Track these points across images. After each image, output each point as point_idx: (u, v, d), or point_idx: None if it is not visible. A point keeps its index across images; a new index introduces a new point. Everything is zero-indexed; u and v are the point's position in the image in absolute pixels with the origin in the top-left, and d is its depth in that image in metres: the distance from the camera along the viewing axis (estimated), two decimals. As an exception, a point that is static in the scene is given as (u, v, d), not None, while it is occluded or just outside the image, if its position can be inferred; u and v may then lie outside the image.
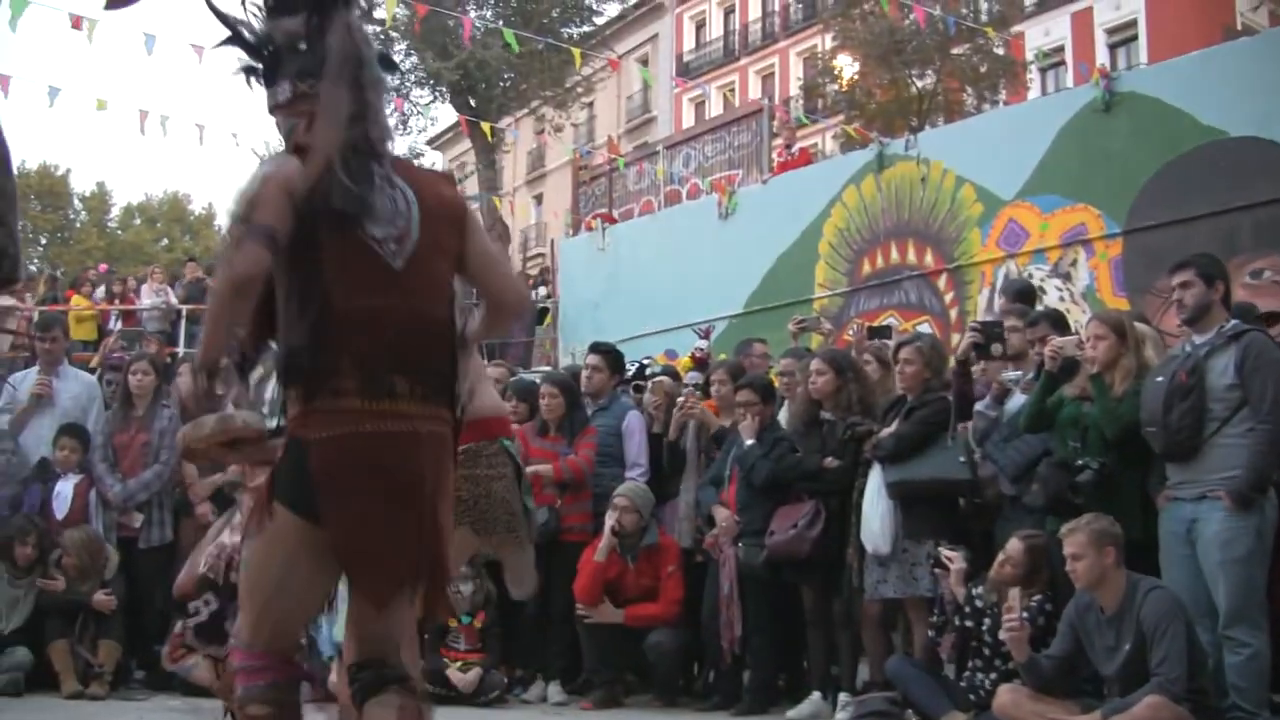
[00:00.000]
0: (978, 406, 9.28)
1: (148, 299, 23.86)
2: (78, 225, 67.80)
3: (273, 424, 7.09)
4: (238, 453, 7.09)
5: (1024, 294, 11.29)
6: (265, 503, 4.27)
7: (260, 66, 4.39)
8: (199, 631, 7.61)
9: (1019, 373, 9.33)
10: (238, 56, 4.41)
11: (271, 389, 7.20)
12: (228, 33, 4.38)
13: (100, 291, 25.19)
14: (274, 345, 4.51)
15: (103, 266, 29.72)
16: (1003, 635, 7.97)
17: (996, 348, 9.46)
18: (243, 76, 4.42)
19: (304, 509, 4.18)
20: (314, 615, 4.80)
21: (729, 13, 57.10)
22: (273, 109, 4.39)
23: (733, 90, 54.09)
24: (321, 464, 4.17)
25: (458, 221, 4.61)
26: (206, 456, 7.37)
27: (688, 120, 50.02)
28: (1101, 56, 38.98)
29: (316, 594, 4.48)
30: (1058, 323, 9.48)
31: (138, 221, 71.11)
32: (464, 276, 4.65)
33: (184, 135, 78.40)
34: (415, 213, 4.40)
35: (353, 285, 4.20)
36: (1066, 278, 14.37)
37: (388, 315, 4.25)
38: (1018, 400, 9.09)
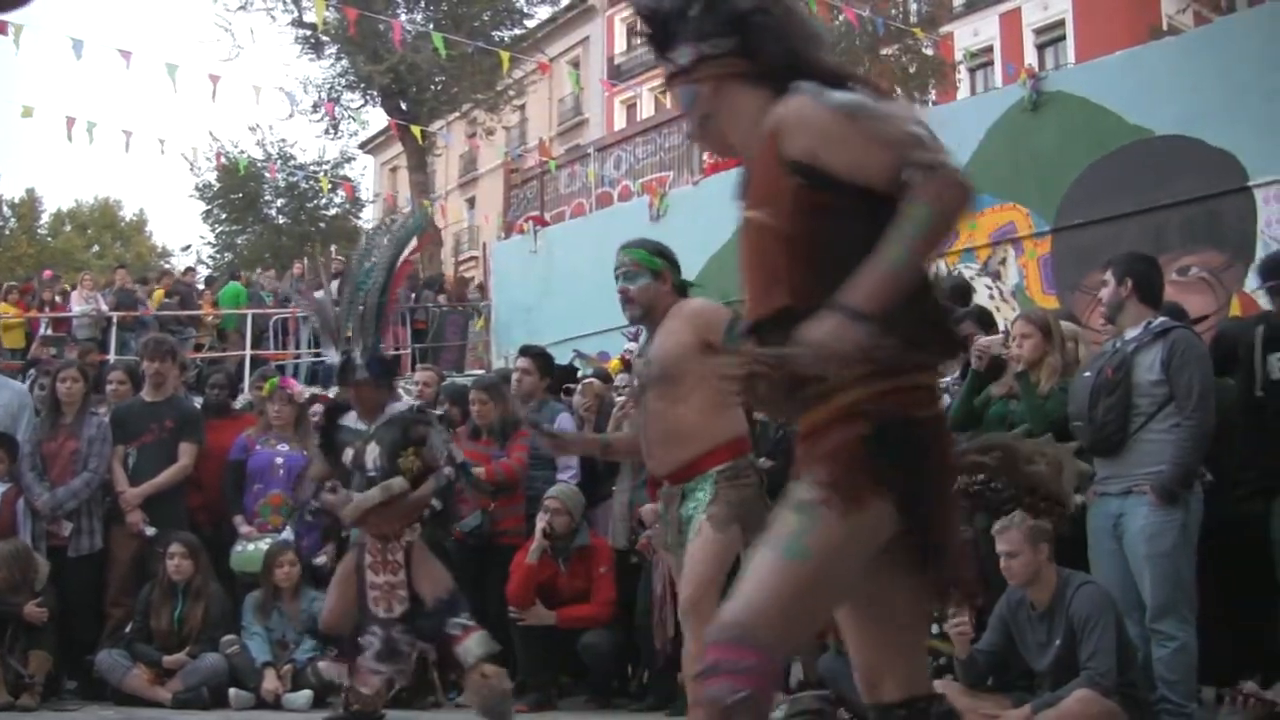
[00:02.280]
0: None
1: (78, 306, 23.73)
2: (6, 232, 67.22)
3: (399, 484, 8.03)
4: (388, 510, 8.10)
5: (959, 291, 11.36)
6: (854, 487, 3.42)
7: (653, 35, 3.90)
8: (380, 657, 8.08)
9: (948, 376, 9.39)
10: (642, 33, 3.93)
11: (373, 457, 8.14)
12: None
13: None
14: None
15: (47, 273, 29.54)
16: (948, 628, 8.02)
17: None
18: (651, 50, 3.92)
19: (907, 499, 3.45)
20: None
21: (661, 13, 57.11)
22: (671, 77, 3.91)
23: (664, 92, 54.09)
24: (929, 447, 3.51)
25: None
26: (368, 521, 8.36)
27: (619, 122, 49.99)
28: (1030, 56, 39.24)
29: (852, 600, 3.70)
30: (983, 320, 9.54)
31: (68, 228, 70.52)
32: None
33: (111, 141, 77.71)
34: None
35: None
36: (996, 276, 14.48)
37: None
38: (944, 401, 9.15)
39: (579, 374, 12.39)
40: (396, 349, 24.57)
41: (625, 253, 6.90)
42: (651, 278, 6.75)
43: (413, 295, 24.20)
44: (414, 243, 8.60)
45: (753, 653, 3.34)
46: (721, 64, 3.77)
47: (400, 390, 9.05)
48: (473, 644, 8.12)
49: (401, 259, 8.49)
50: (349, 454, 8.31)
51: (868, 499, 3.41)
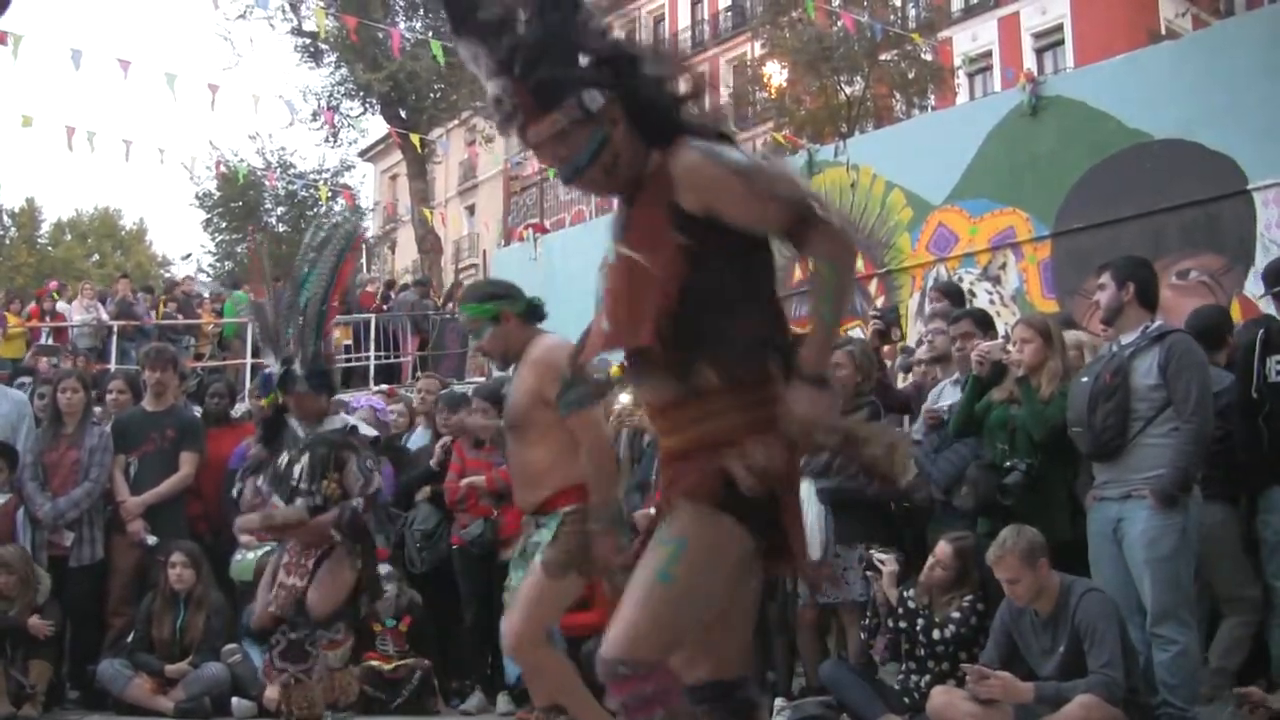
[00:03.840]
0: (913, 435, 9.33)
1: (78, 315, 23.74)
2: (7, 242, 67.25)
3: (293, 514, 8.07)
4: (292, 532, 8.22)
5: (951, 291, 11.37)
6: (706, 512, 3.80)
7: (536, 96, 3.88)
8: (283, 655, 8.13)
9: (953, 395, 9.36)
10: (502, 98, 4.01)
11: (300, 469, 8.07)
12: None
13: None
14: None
15: (53, 283, 29.58)
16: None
17: (896, 332, 9.65)
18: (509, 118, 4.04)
19: (764, 529, 3.85)
20: None
21: (658, 21, 57.10)
22: (573, 125, 3.84)
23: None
24: (782, 470, 3.84)
25: None
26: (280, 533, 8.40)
27: (619, 129, 50.00)
28: (1029, 61, 39.26)
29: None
30: (982, 321, 9.55)
31: (68, 237, 70.57)
32: None
33: (111, 151, 77.58)
34: None
35: (772, 270, 3.99)
36: (996, 280, 14.48)
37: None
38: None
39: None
40: (397, 356, 24.67)
41: (462, 311, 7.12)
42: (493, 324, 6.83)
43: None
44: (349, 252, 8.56)
45: (646, 679, 3.78)
46: (621, 106, 3.88)
47: (342, 405, 9.04)
48: (333, 659, 8.35)
49: (340, 266, 8.46)
50: (284, 458, 8.30)
51: (724, 524, 3.80)
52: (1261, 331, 8.43)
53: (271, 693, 9.45)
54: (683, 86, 3.96)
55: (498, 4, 3.84)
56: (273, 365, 8.31)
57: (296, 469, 8.13)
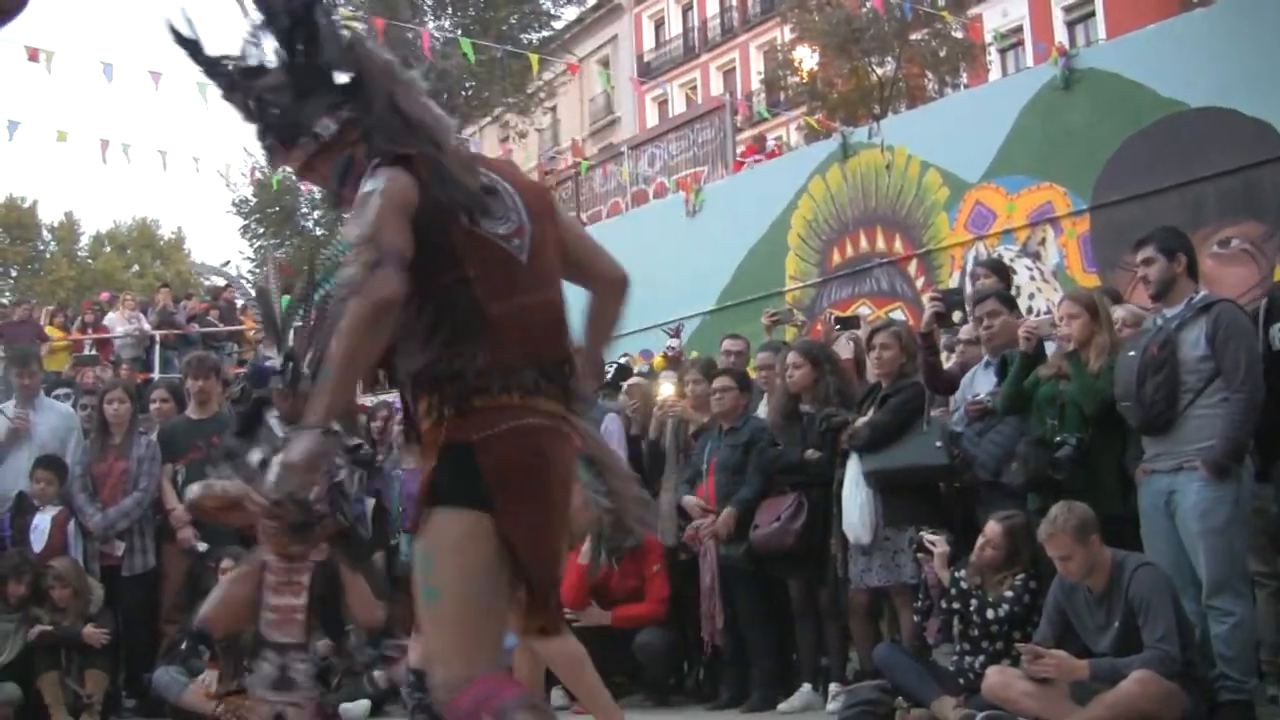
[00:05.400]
0: (953, 426, 9.29)
1: (120, 326, 23.81)
2: (47, 256, 67.54)
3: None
4: (238, 514, 7.72)
5: (997, 268, 11.32)
6: (424, 516, 3.93)
7: (274, 134, 4.16)
8: (275, 686, 7.64)
9: (985, 378, 9.30)
10: (256, 138, 4.20)
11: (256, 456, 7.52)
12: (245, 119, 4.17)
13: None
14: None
15: (105, 295, 29.70)
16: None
17: (958, 315, 9.56)
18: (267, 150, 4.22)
19: (482, 504, 3.87)
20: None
21: (687, 10, 56.95)
22: (314, 156, 4.13)
23: (695, 88, 54.03)
24: (492, 458, 3.91)
25: (551, 207, 4.40)
26: (212, 517, 7.93)
27: (651, 120, 49.87)
28: (1060, 34, 39.02)
29: (507, 598, 4.03)
30: (1006, 300, 9.51)
31: (108, 249, 70.79)
32: (567, 262, 4.42)
33: (147, 162, 77.61)
34: (521, 203, 4.19)
35: (497, 286, 4.00)
36: (1036, 257, 14.38)
37: (528, 313, 4.08)
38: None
39: (634, 370, 12.38)
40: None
41: None
42: None
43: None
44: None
45: (462, 696, 3.78)
46: (358, 126, 4.04)
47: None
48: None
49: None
50: (256, 455, 7.35)
51: (445, 516, 3.89)
52: (1265, 299, 8.42)
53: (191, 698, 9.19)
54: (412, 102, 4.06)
55: (237, 56, 4.14)
56: (274, 358, 7.73)
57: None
